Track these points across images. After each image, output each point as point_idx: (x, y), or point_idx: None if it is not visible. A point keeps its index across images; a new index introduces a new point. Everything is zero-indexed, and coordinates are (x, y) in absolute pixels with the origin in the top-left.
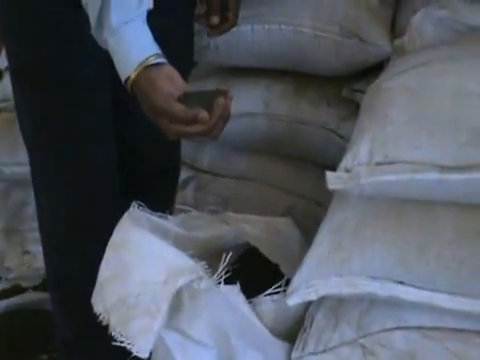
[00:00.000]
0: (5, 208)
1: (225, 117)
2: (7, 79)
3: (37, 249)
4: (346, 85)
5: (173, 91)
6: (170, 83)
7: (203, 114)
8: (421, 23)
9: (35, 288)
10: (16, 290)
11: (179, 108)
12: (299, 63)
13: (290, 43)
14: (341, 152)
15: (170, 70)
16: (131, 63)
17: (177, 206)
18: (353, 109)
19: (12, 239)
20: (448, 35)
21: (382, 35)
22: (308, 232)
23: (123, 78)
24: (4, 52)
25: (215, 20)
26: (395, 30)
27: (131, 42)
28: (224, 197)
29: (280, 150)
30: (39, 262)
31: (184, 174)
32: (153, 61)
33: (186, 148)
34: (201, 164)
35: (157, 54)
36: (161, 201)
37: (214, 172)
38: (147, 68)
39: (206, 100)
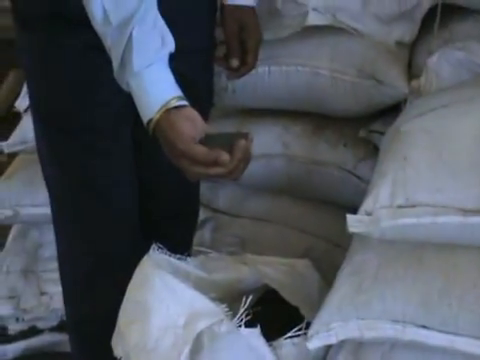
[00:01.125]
0: (22, 249)
1: (246, 159)
2: (25, 121)
3: (54, 290)
4: (363, 126)
5: (194, 134)
6: (191, 125)
7: (224, 156)
8: (438, 64)
9: (52, 329)
10: (33, 331)
11: (200, 150)
12: (316, 104)
13: (307, 85)
14: (358, 193)
15: (191, 112)
16: (153, 106)
17: (196, 248)
18: (370, 150)
19: (29, 280)
20: (465, 76)
21: (399, 76)
22: (326, 274)
23: (145, 120)
24: (22, 93)
25: (235, 63)
26: (412, 71)
27: (153, 85)
28: (242, 238)
29: (298, 191)
30: (56, 303)
31: (202, 215)
32: (175, 104)
33: (203, 189)
34: (218, 205)
35: (179, 97)
36: (180, 243)
37: (231, 213)
38: (168, 111)
39: (227, 142)
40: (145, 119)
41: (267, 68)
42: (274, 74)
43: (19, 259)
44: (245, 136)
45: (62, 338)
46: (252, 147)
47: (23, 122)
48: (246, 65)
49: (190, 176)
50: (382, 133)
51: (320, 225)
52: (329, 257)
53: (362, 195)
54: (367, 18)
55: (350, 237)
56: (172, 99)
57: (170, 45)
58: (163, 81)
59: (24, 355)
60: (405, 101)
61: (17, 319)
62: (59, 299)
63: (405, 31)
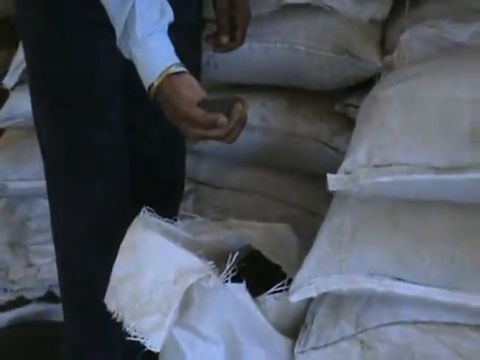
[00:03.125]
0: (10, 223)
1: (242, 122)
2: (13, 98)
3: (41, 262)
4: (338, 101)
5: (194, 97)
6: (191, 90)
7: (222, 119)
8: (410, 41)
9: (39, 299)
10: (21, 302)
11: (200, 113)
12: (294, 79)
13: (285, 60)
14: (334, 163)
15: (190, 78)
16: (155, 71)
17: (182, 212)
18: (345, 123)
19: (17, 252)
20: (435, 51)
21: (372, 51)
22: (302, 238)
23: (147, 85)
24: (10, 71)
25: (225, 40)
26: (384, 47)
27: (155, 52)
28: (222, 208)
29: (275, 162)
30: (43, 274)
31: (185, 187)
32: (175, 69)
33: (186, 162)
34: (200, 177)
35: (178, 63)
36: (167, 211)
37: (213, 184)
38: (170, 76)
39: (224, 106)
40: (147, 84)
41: (248, 45)
42: (254, 50)
43: (6, 232)
44: (241, 101)
45: (49, 307)
46: (247, 112)
47: (11, 99)
48: (234, 41)
49: (190, 138)
50: (356, 107)
51: (296, 194)
52: (304, 225)
53: (337, 166)
54: None
55: (324, 205)
56: (172, 65)
57: (169, 15)
58: (164, 49)
59: (13, 324)
60: (379, 76)
61: (5, 290)
62: (46, 270)
63: (377, 9)
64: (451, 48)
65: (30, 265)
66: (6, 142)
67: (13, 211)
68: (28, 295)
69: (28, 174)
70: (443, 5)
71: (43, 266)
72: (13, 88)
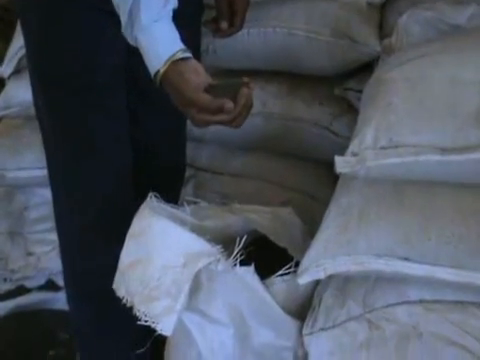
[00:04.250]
0: (8, 212)
1: (248, 106)
2: (9, 87)
3: (41, 250)
4: (338, 84)
5: (200, 82)
6: (196, 75)
7: (229, 104)
8: (408, 24)
9: (40, 288)
10: (21, 291)
11: (206, 98)
12: (293, 64)
13: (284, 45)
14: (334, 148)
15: (195, 64)
16: (160, 58)
17: (187, 198)
18: (345, 107)
19: (16, 241)
20: (433, 34)
21: (371, 35)
22: (304, 224)
23: (153, 72)
24: (6, 60)
25: (224, 25)
26: (383, 31)
27: (160, 38)
28: (223, 194)
29: (276, 147)
30: (43, 263)
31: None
32: (180, 55)
33: (186, 148)
34: (200, 163)
35: (183, 49)
36: (169, 197)
37: (213, 170)
38: (175, 62)
39: (230, 91)
40: (153, 70)
41: (246, 30)
42: (253, 35)
43: (5, 221)
44: (246, 84)
45: (49, 296)
46: (253, 95)
47: (7, 88)
48: (234, 26)
49: (197, 123)
50: (356, 90)
51: (297, 179)
52: (306, 209)
53: (338, 150)
54: None
55: (325, 190)
56: (178, 51)
57: (173, 1)
58: (169, 35)
59: (13, 313)
60: (377, 59)
61: (5, 279)
62: (46, 259)
63: None
64: (449, 30)
65: (30, 254)
66: (3, 131)
67: (11, 200)
68: (28, 284)
69: (26, 163)
70: None
71: (43, 255)
72: (9, 77)
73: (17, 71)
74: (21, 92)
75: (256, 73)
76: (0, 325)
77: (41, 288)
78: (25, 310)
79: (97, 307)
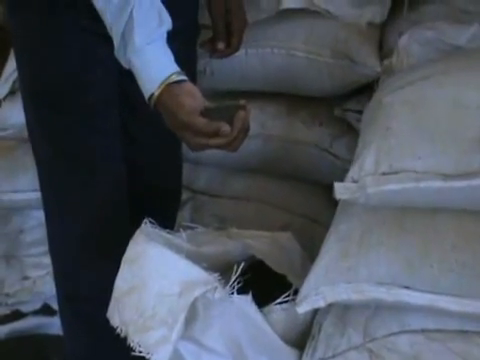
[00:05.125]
0: (4, 235)
1: (245, 130)
2: (5, 108)
3: (36, 274)
4: (337, 105)
5: (195, 106)
6: (192, 99)
7: (225, 127)
8: (408, 44)
9: (35, 313)
10: (16, 315)
11: (202, 122)
12: (292, 85)
13: (283, 66)
14: (334, 170)
15: (191, 87)
16: (155, 81)
17: (184, 223)
18: (345, 128)
19: (11, 265)
20: (434, 54)
21: (371, 56)
22: (304, 248)
23: (147, 95)
24: (1, 81)
25: (221, 45)
26: (383, 51)
27: (154, 61)
28: (221, 217)
29: (275, 169)
30: (39, 287)
31: (182, 195)
32: (175, 78)
33: (183, 170)
34: (198, 185)
35: (178, 72)
36: (165, 220)
37: (211, 193)
38: (170, 85)
39: (227, 114)
40: (147, 94)
41: (244, 50)
42: (251, 56)
43: (1, 244)
44: (243, 107)
45: (45, 321)
46: (249, 117)
47: (2, 109)
48: (231, 47)
49: (192, 147)
50: (356, 111)
51: (297, 202)
52: (306, 232)
53: (338, 172)
54: (340, 0)
55: (327, 213)
56: (173, 74)
57: (167, 23)
58: (163, 57)
59: (8, 338)
60: (377, 80)
61: (0, 304)
62: (42, 283)
63: (376, 13)
64: (450, 51)
65: (25, 278)
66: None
67: (7, 223)
68: (23, 308)
69: (21, 185)
70: (441, 7)
71: (38, 279)
72: (4, 99)
73: (12, 92)
74: (15, 113)
75: (255, 94)
76: None
77: (37, 312)
78: (20, 335)
79: (92, 333)
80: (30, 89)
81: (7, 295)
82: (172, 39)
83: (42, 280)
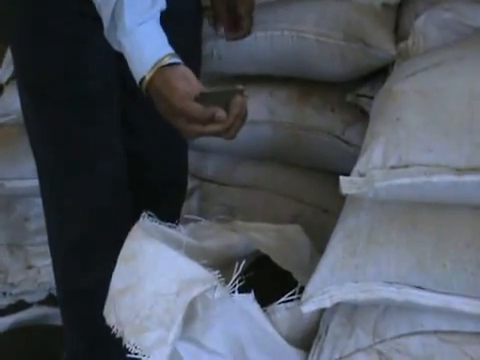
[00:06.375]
0: (7, 223)
1: (242, 116)
2: (7, 93)
3: (41, 263)
4: (350, 90)
5: (189, 91)
6: (186, 83)
7: (220, 113)
8: (425, 26)
9: (40, 303)
10: (21, 305)
11: (196, 107)
12: (303, 69)
13: (293, 49)
14: (347, 158)
15: (185, 70)
16: (146, 64)
17: (186, 216)
18: (358, 114)
19: (15, 254)
20: (452, 37)
21: (386, 39)
22: (315, 239)
23: (138, 79)
24: (3, 64)
25: (221, 31)
26: (398, 34)
27: (145, 43)
28: (230, 206)
29: (285, 157)
30: (43, 277)
31: (189, 184)
32: (168, 61)
33: (190, 158)
34: (206, 173)
35: (172, 54)
36: (168, 213)
37: (219, 181)
38: (162, 68)
39: (223, 99)
40: (138, 77)
41: (253, 34)
42: (260, 39)
43: (5, 233)
44: (240, 92)
45: (50, 311)
46: (247, 103)
47: (5, 94)
48: (242, 30)
49: (186, 134)
50: (370, 97)
51: (308, 191)
52: (318, 222)
53: (350, 160)
54: None
55: (339, 202)
56: (165, 56)
57: (161, 3)
58: (156, 39)
59: (13, 329)
60: (392, 64)
61: (4, 294)
62: (46, 272)
63: None
64: (469, 33)
65: (30, 267)
66: (1, 140)
67: (11, 211)
68: (28, 299)
69: (26, 172)
70: None
71: (43, 268)
72: (7, 82)
73: (14, 77)
74: (18, 99)
75: (264, 79)
76: None
77: (41, 303)
78: (25, 326)
79: (92, 330)
80: (26, 79)
81: (12, 285)
82: (166, 21)
83: (47, 269)
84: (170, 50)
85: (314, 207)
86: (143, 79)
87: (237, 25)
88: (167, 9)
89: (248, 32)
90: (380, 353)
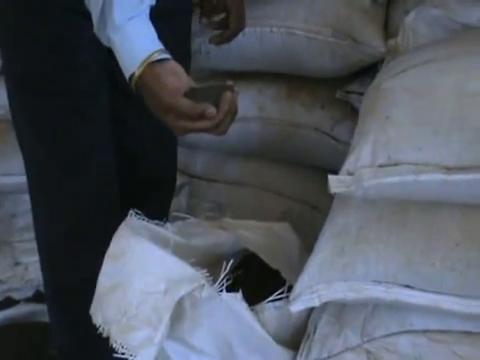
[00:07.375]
0: None
1: (232, 112)
2: None
3: (29, 260)
4: (340, 87)
5: (179, 86)
6: (176, 79)
7: (210, 109)
8: (415, 22)
9: (28, 300)
10: (8, 302)
11: (186, 103)
12: (292, 66)
13: (282, 45)
14: (336, 155)
15: (175, 66)
16: (135, 59)
17: (174, 213)
18: (347, 111)
19: (3, 251)
20: (442, 34)
21: (376, 35)
22: (305, 236)
23: (127, 75)
24: None
25: (205, 21)
26: (388, 30)
27: (135, 38)
28: (218, 203)
29: (274, 154)
30: (31, 274)
31: (178, 180)
32: (158, 57)
33: (179, 154)
34: (194, 170)
35: (161, 50)
36: (157, 210)
37: (208, 178)
38: (152, 64)
39: (213, 95)
40: (128, 73)
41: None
42: (248, 35)
43: None
44: (230, 88)
45: (38, 308)
46: (237, 99)
47: None
48: (229, 29)
49: (176, 131)
50: (359, 94)
51: (297, 188)
52: (307, 219)
53: (339, 157)
54: None
55: (328, 199)
56: (155, 52)
57: None
58: (145, 35)
59: (0, 325)
60: (382, 60)
61: None
62: (34, 269)
63: None
64: (459, 30)
65: (17, 263)
66: None
67: None
68: (16, 296)
69: (13, 169)
70: None
71: (30, 265)
72: None
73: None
74: (5, 94)
75: (253, 75)
76: None
77: (29, 300)
78: (12, 323)
79: (79, 327)
80: (14, 73)
81: None
82: (156, 18)
83: (34, 266)
84: (160, 46)
85: (303, 204)
86: (133, 75)
87: (226, 21)
88: (156, 5)
89: (235, 31)
90: (369, 352)
